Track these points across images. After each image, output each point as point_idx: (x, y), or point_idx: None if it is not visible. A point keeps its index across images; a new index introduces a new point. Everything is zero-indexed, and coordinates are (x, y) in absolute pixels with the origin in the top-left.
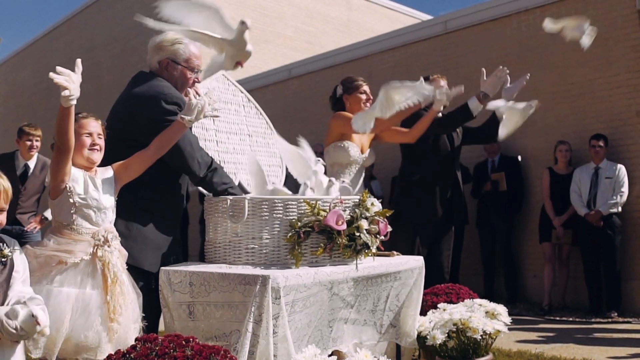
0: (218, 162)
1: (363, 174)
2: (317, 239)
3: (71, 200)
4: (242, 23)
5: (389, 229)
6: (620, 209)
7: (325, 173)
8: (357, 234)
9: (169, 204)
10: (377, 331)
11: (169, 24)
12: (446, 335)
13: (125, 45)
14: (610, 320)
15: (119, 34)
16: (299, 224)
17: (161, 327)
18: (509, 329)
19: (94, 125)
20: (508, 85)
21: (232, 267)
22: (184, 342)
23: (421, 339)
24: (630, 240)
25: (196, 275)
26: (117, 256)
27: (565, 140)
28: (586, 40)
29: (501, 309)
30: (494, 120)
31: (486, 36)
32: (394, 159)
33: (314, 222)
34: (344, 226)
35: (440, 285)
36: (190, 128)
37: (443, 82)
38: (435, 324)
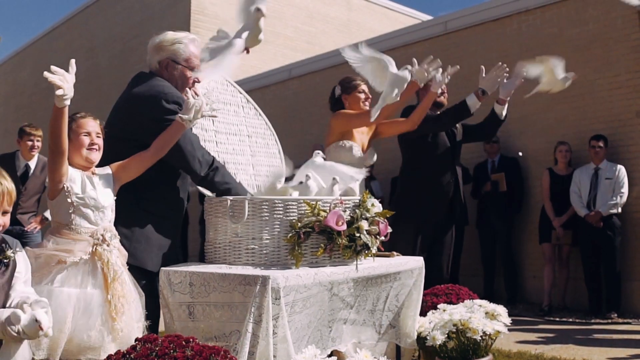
0: None
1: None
2: (317, 239)
3: (69, 200)
4: (258, 10)
5: (389, 229)
6: (620, 209)
7: None
8: (357, 234)
9: (170, 204)
10: (376, 331)
11: None
12: (446, 336)
13: (125, 45)
14: (610, 321)
15: (119, 34)
16: (299, 224)
17: (161, 327)
18: (509, 330)
19: (92, 125)
20: (505, 81)
21: (232, 268)
22: (184, 343)
23: (421, 339)
24: (630, 241)
25: (196, 275)
26: (116, 255)
27: (565, 140)
28: (565, 83)
29: (501, 310)
30: (493, 117)
31: (486, 36)
32: (394, 159)
33: (314, 223)
34: (344, 227)
35: (440, 286)
36: (191, 128)
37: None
38: (435, 324)
